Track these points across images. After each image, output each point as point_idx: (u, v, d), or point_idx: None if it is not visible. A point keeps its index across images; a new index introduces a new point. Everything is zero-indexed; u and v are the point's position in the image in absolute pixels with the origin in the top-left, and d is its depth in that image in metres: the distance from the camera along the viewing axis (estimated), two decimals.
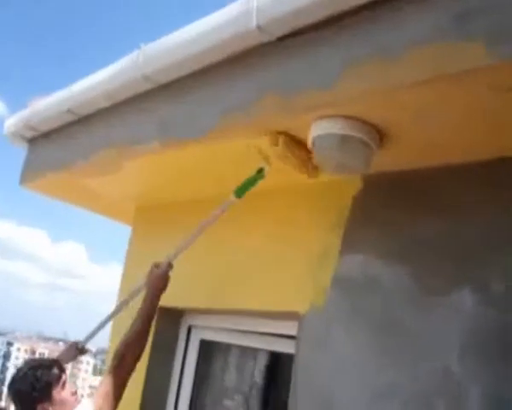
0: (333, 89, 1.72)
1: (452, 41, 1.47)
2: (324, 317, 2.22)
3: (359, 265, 2.17)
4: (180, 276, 2.99)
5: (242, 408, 2.99)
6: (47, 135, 3.13)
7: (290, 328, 2.44)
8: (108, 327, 3.28)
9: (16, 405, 2.23)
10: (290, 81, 1.85)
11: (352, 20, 1.70)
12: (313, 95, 1.77)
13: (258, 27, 1.85)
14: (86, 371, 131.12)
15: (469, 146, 1.89)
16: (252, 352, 3.00)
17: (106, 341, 3.34)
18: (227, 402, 3.10)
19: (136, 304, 2.51)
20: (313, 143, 1.92)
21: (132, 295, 2.68)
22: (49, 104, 2.95)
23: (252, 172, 2.32)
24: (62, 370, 2.28)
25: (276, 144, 2.04)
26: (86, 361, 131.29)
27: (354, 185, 2.28)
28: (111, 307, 3.25)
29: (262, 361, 2.97)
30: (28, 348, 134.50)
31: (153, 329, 3.03)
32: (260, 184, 2.34)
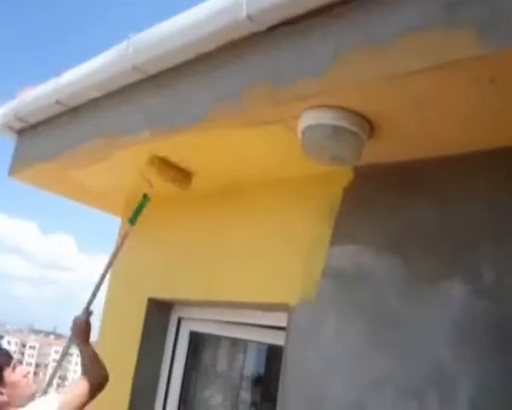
0: (324, 78, 1.71)
1: (444, 30, 1.46)
2: (314, 308, 2.22)
3: (350, 256, 2.17)
4: (170, 268, 2.99)
5: (232, 400, 2.99)
6: (36, 126, 3.11)
7: (280, 320, 2.44)
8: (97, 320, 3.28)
9: None
10: (281, 71, 1.84)
11: (343, 9, 1.69)
12: (304, 84, 1.76)
13: (249, 17, 1.83)
14: (77, 364, 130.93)
15: (460, 137, 1.89)
16: (242, 344, 3.00)
17: (96, 334, 3.33)
18: (217, 394, 3.10)
19: None
20: (303, 134, 1.91)
21: (65, 352, 2.82)
22: (37, 95, 2.92)
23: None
24: (10, 356, 2.37)
25: (153, 164, 2.52)
26: (77, 354, 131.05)
27: (345, 177, 2.27)
28: (100, 298, 3.25)
29: (252, 353, 2.97)
30: (19, 341, 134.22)
31: (143, 321, 3.04)
32: (251, 176, 2.34)
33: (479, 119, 1.76)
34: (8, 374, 2.28)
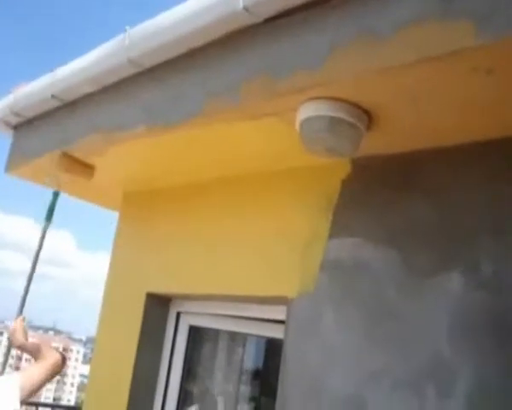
0: (321, 70, 1.70)
1: (441, 21, 1.45)
2: (313, 301, 2.22)
3: (348, 248, 2.16)
4: (168, 262, 2.99)
5: (232, 393, 2.99)
6: (32, 121, 3.10)
7: (279, 313, 2.43)
8: (96, 316, 3.28)
9: None
10: (278, 63, 1.83)
11: (340, 0, 1.68)
12: (302, 76, 1.75)
13: (246, 9, 1.82)
14: (77, 360, 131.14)
15: (459, 128, 1.88)
16: (241, 337, 3.00)
17: (95, 330, 3.33)
18: (216, 387, 3.10)
19: None
20: (301, 126, 1.90)
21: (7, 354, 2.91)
22: (33, 89, 2.91)
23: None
24: None
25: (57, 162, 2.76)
26: (76, 350, 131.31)
27: (343, 169, 2.27)
28: (99, 294, 3.25)
29: (251, 346, 2.98)
30: None
31: (141, 316, 3.04)
32: (250, 168, 2.33)
33: (476, 110, 1.76)
34: None
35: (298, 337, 2.24)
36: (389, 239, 2.05)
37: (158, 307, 3.12)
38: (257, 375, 2.95)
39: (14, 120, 3.19)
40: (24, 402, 2.14)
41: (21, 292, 2.83)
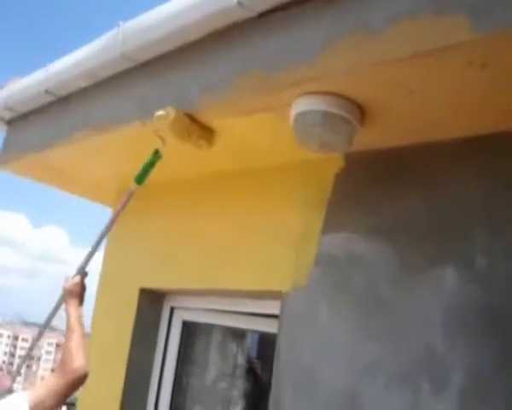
0: (315, 64, 1.70)
1: (435, 15, 1.45)
2: (307, 295, 2.22)
3: (342, 243, 2.17)
4: (161, 257, 2.98)
5: (226, 388, 3.00)
6: (26, 116, 3.09)
7: (273, 307, 2.44)
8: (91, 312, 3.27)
9: None
10: (272, 57, 1.83)
11: None
12: (296, 70, 1.75)
13: (239, 3, 1.82)
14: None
15: (452, 123, 1.88)
16: (235, 332, 3.00)
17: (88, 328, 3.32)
18: (210, 382, 3.10)
19: None
20: (295, 121, 1.90)
21: (56, 309, 2.39)
22: (26, 85, 2.90)
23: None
24: None
25: (167, 118, 2.12)
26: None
27: (336, 164, 2.27)
28: (94, 288, 3.24)
29: (245, 341, 2.98)
30: (11, 333, 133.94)
31: (135, 311, 3.03)
32: (242, 163, 2.31)
33: (470, 104, 1.76)
34: None
35: (292, 332, 2.25)
36: (382, 234, 2.06)
37: (151, 302, 3.11)
38: (251, 369, 2.95)
39: (8, 115, 3.18)
40: None
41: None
